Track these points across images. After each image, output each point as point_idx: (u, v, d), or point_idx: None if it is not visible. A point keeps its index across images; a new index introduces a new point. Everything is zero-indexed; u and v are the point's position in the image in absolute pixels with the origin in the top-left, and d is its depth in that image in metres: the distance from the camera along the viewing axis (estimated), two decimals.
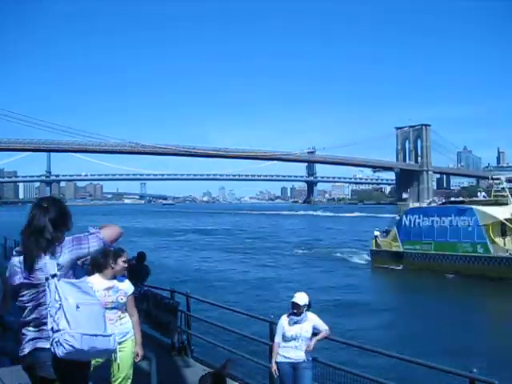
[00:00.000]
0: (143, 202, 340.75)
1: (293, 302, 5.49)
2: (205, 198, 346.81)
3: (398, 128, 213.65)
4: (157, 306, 8.87)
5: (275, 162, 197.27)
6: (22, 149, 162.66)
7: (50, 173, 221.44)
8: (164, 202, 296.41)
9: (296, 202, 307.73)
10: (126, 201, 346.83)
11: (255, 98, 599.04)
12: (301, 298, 5.48)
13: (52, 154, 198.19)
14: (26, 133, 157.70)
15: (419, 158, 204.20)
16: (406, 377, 8.90)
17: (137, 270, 9.28)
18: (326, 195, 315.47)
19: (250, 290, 22.12)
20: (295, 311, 5.45)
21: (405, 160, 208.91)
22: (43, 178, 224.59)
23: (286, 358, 5.43)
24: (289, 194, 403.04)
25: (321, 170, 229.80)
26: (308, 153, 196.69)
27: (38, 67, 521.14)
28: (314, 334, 5.52)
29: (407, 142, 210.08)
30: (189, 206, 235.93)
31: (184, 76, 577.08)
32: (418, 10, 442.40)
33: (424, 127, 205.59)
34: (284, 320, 5.53)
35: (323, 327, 5.59)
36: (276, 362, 5.48)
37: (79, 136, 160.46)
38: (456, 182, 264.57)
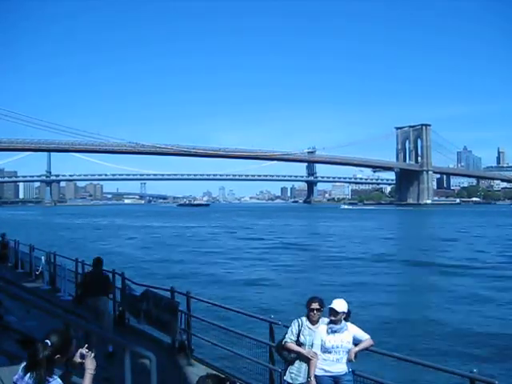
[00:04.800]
0: (143, 201, 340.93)
1: (330, 308, 5.01)
2: (205, 198, 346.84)
3: (398, 128, 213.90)
4: (157, 305, 8.86)
5: (275, 161, 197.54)
6: (22, 149, 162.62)
7: (50, 173, 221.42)
8: (194, 201, 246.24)
9: (296, 201, 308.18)
10: (126, 201, 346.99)
11: (256, 97, 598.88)
12: (339, 305, 5.01)
13: (52, 153, 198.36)
14: (26, 133, 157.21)
15: (419, 158, 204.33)
16: (407, 376, 8.90)
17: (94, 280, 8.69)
18: (326, 195, 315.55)
19: None
20: (332, 318, 4.98)
21: (405, 160, 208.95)
22: (43, 178, 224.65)
23: (326, 371, 4.93)
24: (289, 194, 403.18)
25: (321, 169, 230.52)
26: (308, 153, 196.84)
27: (37, 66, 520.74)
28: (354, 344, 5.10)
29: (407, 141, 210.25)
30: (227, 206, 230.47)
31: (184, 75, 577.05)
32: (419, 9, 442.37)
33: (424, 127, 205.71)
34: (322, 329, 5.02)
35: (365, 336, 5.11)
36: (315, 376, 4.93)
37: (79, 136, 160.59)
38: (456, 182, 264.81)
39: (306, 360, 4.96)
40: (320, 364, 4.95)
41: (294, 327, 5.11)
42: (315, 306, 5.05)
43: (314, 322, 5.06)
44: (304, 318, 5.13)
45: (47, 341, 3.14)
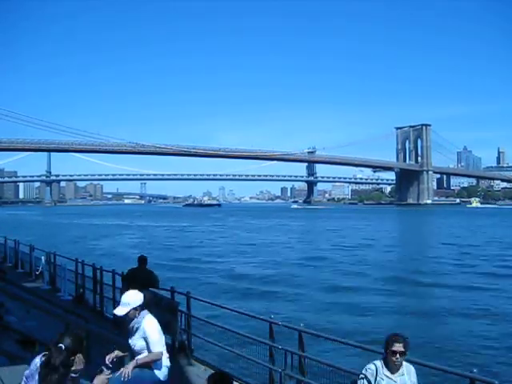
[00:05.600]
0: (143, 201, 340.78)
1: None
2: (205, 198, 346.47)
3: (398, 128, 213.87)
4: (157, 305, 8.85)
5: (275, 161, 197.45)
6: (22, 149, 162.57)
7: (50, 173, 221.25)
8: (205, 202, 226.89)
9: (296, 201, 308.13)
10: (126, 201, 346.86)
11: (256, 97, 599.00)
12: (123, 304, 4.28)
13: (52, 153, 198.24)
14: (26, 133, 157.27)
15: (419, 158, 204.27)
16: None
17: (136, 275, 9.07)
18: (326, 195, 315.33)
19: None
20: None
21: (405, 160, 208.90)
22: (43, 177, 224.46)
23: None
24: (289, 194, 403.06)
25: (321, 169, 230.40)
26: (308, 153, 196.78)
27: (37, 66, 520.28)
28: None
29: (407, 141, 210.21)
30: (228, 206, 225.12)
31: (184, 75, 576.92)
32: (419, 9, 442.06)
33: (424, 127, 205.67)
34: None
35: (153, 347, 4.31)
36: None
37: (79, 136, 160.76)
38: (456, 182, 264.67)
39: None
40: None
41: (368, 376, 3.86)
42: (399, 348, 3.79)
43: (394, 370, 3.84)
44: (380, 363, 3.89)
45: (61, 345, 3.05)
